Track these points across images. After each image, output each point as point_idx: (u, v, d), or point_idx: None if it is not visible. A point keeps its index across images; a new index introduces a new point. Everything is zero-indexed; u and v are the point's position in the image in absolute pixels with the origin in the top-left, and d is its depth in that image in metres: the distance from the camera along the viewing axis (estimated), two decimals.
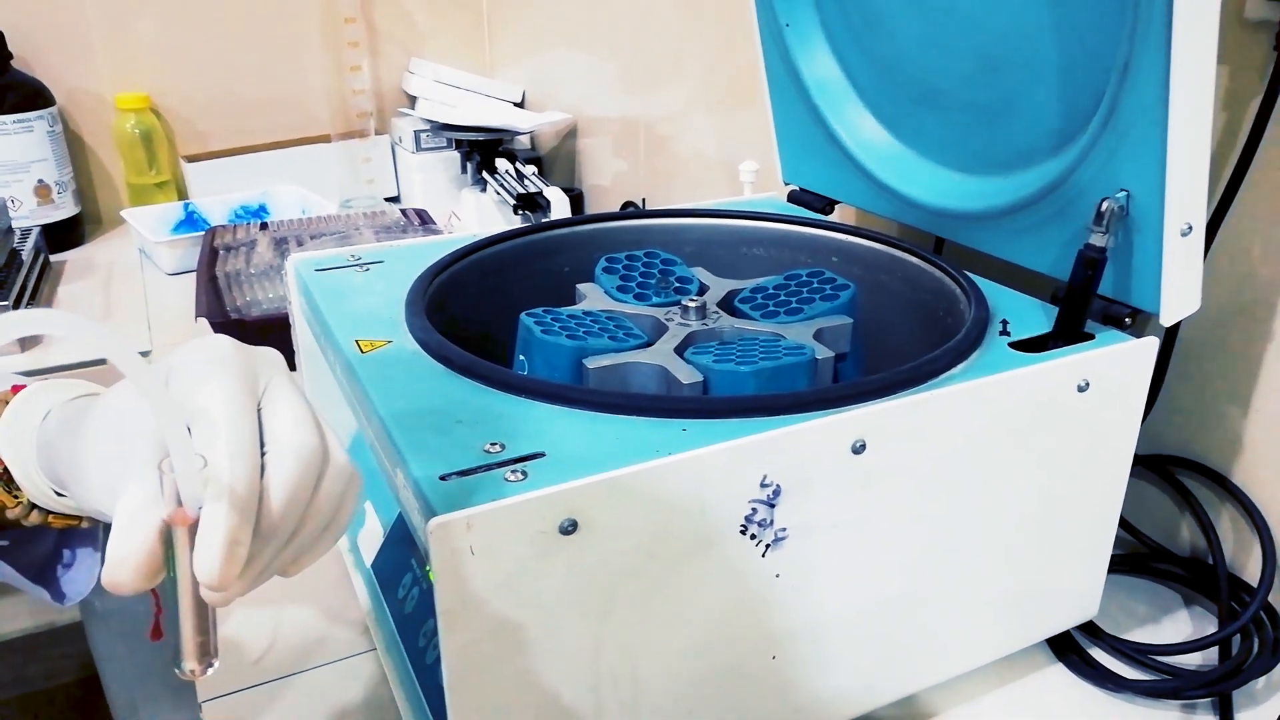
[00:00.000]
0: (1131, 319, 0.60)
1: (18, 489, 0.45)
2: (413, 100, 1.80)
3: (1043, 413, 0.56)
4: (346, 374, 0.57)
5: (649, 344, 0.63)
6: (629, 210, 0.89)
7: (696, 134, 1.33)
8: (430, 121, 1.66)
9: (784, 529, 0.49)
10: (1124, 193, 0.57)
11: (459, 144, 1.64)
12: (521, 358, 0.63)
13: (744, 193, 0.97)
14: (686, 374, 0.57)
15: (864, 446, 0.49)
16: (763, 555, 0.49)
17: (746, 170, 0.97)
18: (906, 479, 0.52)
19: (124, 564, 0.32)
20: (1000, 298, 0.65)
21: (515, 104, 1.81)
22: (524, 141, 1.70)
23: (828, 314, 0.67)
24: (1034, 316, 0.62)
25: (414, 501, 0.43)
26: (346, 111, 1.71)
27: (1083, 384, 0.56)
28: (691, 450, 0.45)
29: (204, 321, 1.08)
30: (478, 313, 0.72)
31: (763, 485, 0.47)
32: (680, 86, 1.34)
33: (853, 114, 0.82)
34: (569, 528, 0.43)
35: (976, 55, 0.69)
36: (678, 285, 0.72)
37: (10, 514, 0.46)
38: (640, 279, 0.73)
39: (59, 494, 0.44)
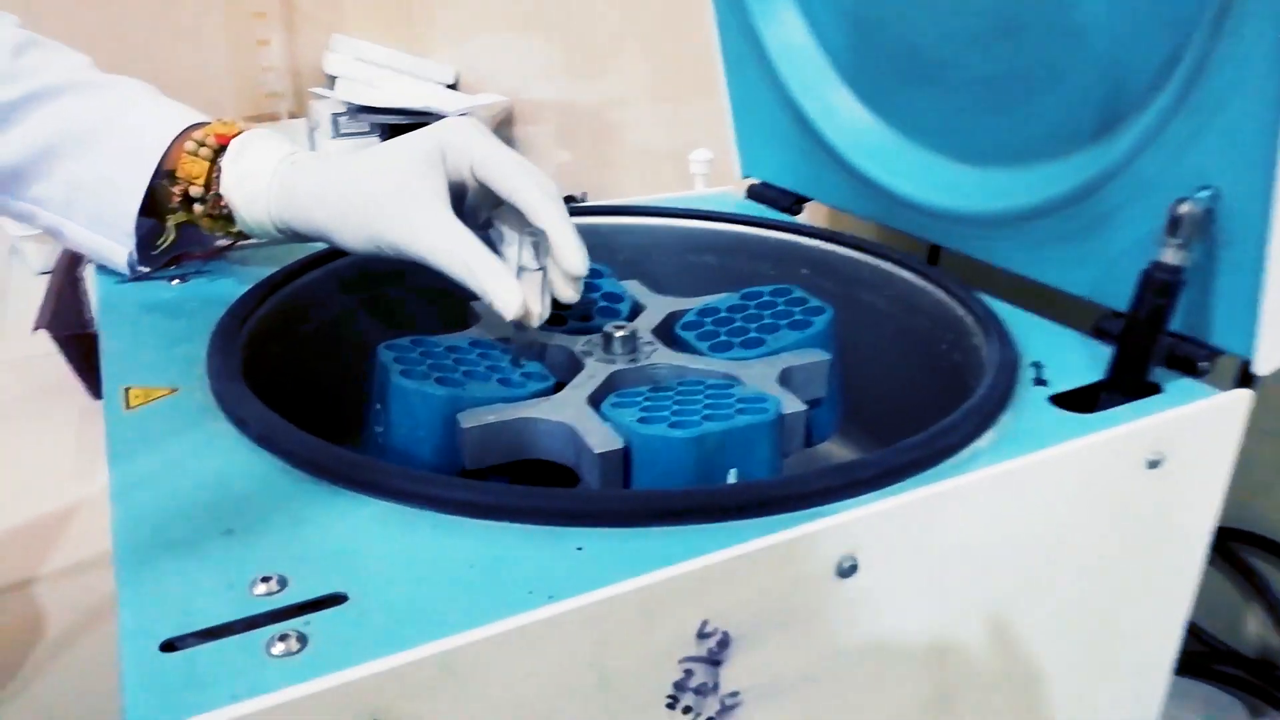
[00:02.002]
0: (1209, 363, 0.44)
1: (226, 221, 0.51)
2: (333, 81, 1.61)
3: (1099, 500, 0.40)
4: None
5: (555, 389, 0.46)
6: None
7: (649, 121, 1.16)
8: (349, 104, 1.48)
9: (734, 694, 0.32)
10: (1208, 191, 0.41)
11: (382, 128, 1.46)
12: (379, 407, 0.46)
13: (694, 187, 0.80)
14: (600, 438, 0.40)
15: (854, 567, 0.33)
16: None
17: (698, 160, 0.80)
18: (912, 606, 0.36)
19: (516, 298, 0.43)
20: (1024, 329, 0.49)
21: (449, 86, 1.63)
22: None
23: (797, 347, 0.50)
24: (1073, 356, 0.46)
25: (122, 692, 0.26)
26: (254, 92, 1.52)
27: (1155, 459, 0.40)
28: (588, 594, 0.28)
29: (43, 334, 0.89)
30: (340, 343, 0.54)
31: (702, 636, 0.31)
32: (631, 68, 1.18)
33: (827, 90, 0.65)
34: None
35: (990, 13, 0.52)
36: (604, 305, 0.55)
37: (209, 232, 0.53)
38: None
39: (278, 230, 0.50)
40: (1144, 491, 0.41)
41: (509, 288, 0.43)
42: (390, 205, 0.44)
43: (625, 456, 0.40)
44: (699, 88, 1.02)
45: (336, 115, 1.48)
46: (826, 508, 0.33)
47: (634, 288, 0.58)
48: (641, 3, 1.14)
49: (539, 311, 0.45)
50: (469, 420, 0.42)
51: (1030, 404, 0.41)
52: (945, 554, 0.36)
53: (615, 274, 0.58)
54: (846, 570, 0.33)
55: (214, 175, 0.50)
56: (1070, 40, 0.48)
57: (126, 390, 0.41)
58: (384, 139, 1.46)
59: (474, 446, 0.41)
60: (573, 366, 0.49)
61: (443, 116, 1.43)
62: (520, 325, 0.46)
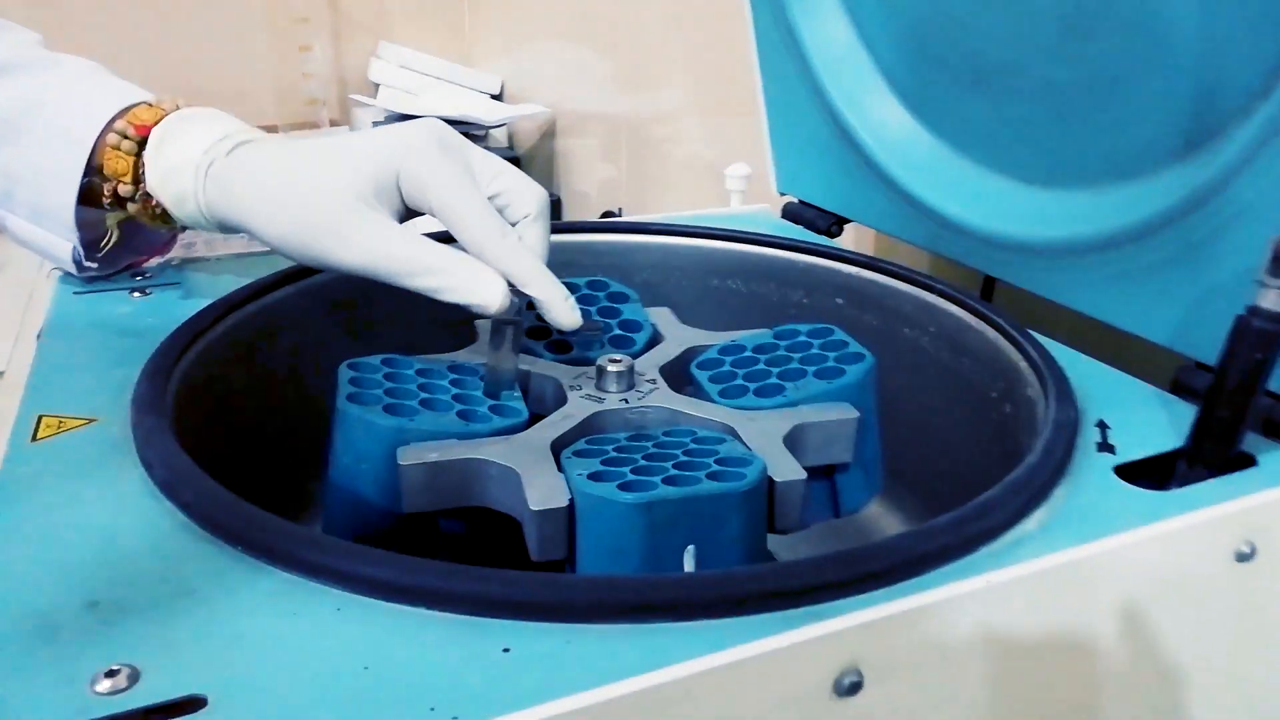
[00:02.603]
0: None
1: (166, 218, 0.45)
2: (378, 89, 1.59)
3: (1172, 602, 0.32)
4: None
5: (524, 425, 0.40)
6: (568, 223, 0.67)
7: (693, 136, 1.11)
8: (390, 112, 1.45)
9: None
10: None
11: None
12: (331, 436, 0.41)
13: (730, 203, 0.74)
14: (542, 492, 0.34)
15: (858, 684, 0.26)
16: None
17: (734, 176, 0.74)
18: None
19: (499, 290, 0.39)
20: (1089, 379, 0.42)
21: (493, 96, 1.59)
22: (499, 139, 1.48)
23: (822, 398, 0.43)
24: (1146, 415, 0.39)
25: None
26: (296, 98, 1.50)
27: (1245, 550, 0.33)
28: (508, 715, 0.22)
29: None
30: (317, 368, 0.49)
31: None
32: (677, 82, 1.12)
33: (872, 98, 0.59)
34: None
35: (1063, 11, 0.46)
36: (618, 333, 0.49)
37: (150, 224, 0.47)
38: None
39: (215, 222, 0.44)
40: (1230, 591, 0.33)
41: (483, 277, 0.38)
42: (334, 224, 0.39)
43: (568, 517, 0.34)
44: (746, 102, 0.96)
45: (377, 124, 1.46)
46: (824, 607, 0.26)
47: (660, 316, 0.51)
48: (688, 16, 1.08)
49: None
50: (408, 457, 0.36)
51: (1091, 475, 0.34)
52: (975, 667, 0.29)
53: (638, 298, 0.51)
54: (848, 688, 0.26)
55: (140, 170, 0.44)
56: (1157, 39, 0.41)
57: (39, 418, 0.36)
58: None
59: (413, 487, 0.36)
60: (560, 402, 0.43)
61: (482, 127, 1.40)
62: (498, 338, 0.41)
